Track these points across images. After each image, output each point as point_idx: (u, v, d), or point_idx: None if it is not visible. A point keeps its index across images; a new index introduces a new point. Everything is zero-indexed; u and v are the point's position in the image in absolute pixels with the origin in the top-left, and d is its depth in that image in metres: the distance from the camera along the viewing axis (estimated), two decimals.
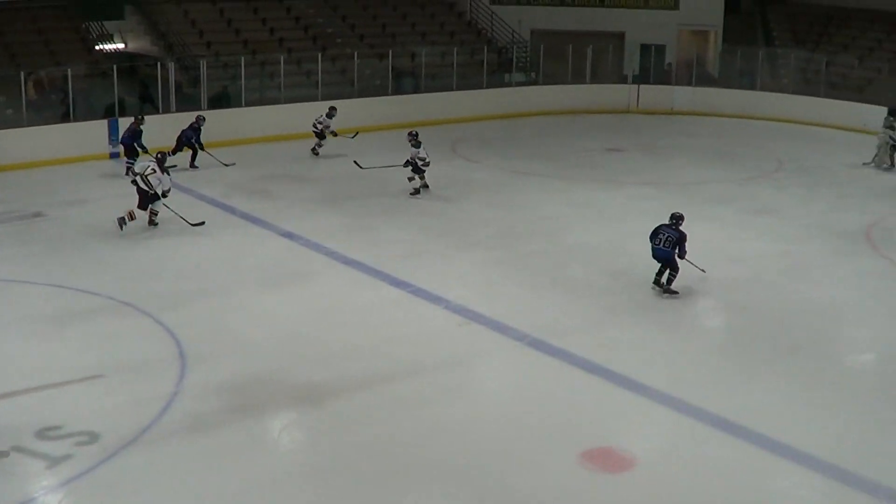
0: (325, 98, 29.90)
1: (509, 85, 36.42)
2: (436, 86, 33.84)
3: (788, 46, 40.60)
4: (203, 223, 20.51)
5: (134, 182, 20.25)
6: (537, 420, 12.57)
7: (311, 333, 15.08)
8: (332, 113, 27.26)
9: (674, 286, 17.03)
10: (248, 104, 29.86)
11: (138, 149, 24.04)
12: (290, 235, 19.94)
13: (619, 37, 40.01)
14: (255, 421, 12.40)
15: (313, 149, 27.47)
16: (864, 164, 28.40)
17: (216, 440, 11.89)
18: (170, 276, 17.61)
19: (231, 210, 21.75)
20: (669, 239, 17.02)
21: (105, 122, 26.86)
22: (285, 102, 30.11)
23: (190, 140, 25.58)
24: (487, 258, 18.90)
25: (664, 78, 39.51)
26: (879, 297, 17.89)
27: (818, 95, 36.60)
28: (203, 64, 29.51)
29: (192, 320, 15.42)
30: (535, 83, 37.01)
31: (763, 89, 38.05)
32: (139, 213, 20.03)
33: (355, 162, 25.24)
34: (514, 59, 37.55)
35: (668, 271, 17.14)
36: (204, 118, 26.02)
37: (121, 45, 33.63)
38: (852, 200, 24.87)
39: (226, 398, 12.80)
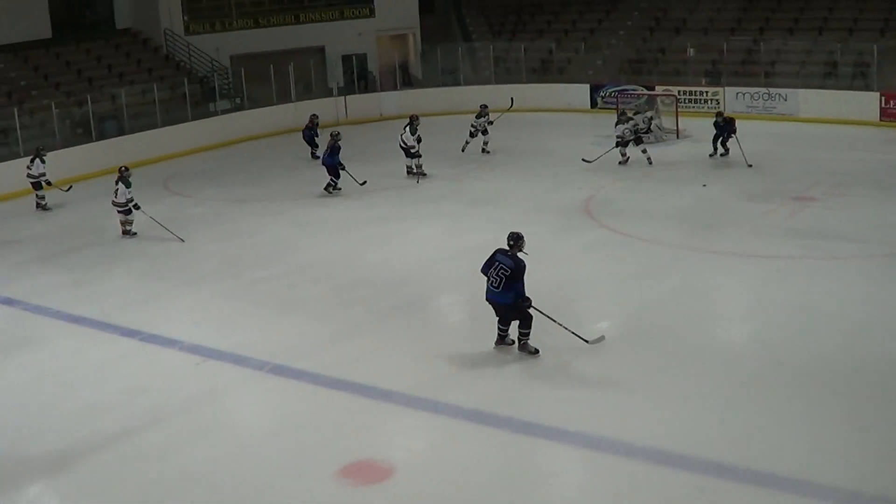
0: (27, 154, 28.98)
1: (215, 114, 36.04)
2: (140, 125, 33.05)
3: (486, 39, 41.81)
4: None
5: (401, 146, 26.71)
6: (291, 445, 12.47)
7: (46, 400, 14.38)
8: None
9: None
10: None
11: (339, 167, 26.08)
12: (9, 302, 18.97)
13: (320, 51, 40.36)
14: None
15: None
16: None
17: None
18: None
19: None
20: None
21: None
22: None
23: (312, 138, 30.78)
24: (216, 291, 18.63)
25: (370, 86, 40.02)
26: (606, 266, 18.66)
27: (521, 82, 37.86)
28: None
29: None
30: (241, 109, 36.86)
31: (467, 84, 39.13)
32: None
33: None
34: (217, 88, 37.24)
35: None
36: (317, 116, 31.44)
37: None
38: (568, 178, 25.88)
39: None
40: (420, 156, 26.95)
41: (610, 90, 35.88)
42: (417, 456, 12.22)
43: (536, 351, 14.33)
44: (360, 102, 37.84)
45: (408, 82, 40.88)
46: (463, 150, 29.84)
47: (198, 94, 36.25)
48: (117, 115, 33.18)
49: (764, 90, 33.25)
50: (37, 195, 26.17)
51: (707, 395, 13.09)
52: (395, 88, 39.36)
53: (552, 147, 29.94)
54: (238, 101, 37.49)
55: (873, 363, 13.78)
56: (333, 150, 25.60)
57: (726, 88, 34.03)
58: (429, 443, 12.56)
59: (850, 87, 32.41)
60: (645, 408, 12.88)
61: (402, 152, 27.18)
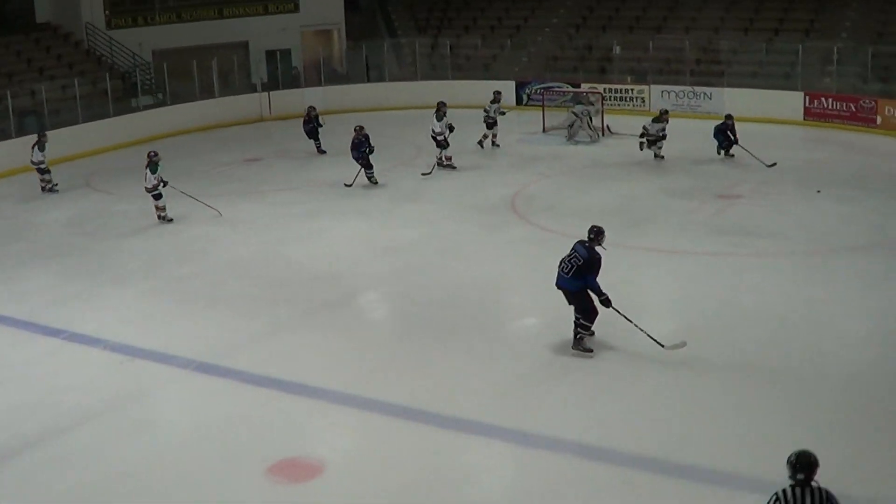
0: None
1: (137, 110, 35.51)
2: (61, 121, 32.35)
3: (412, 35, 41.67)
4: None
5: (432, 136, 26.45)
6: (218, 444, 12.35)
7: None
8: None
9: None
10: None
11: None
12: None
13: (244, 46, 40.00)
14: None
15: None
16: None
17: None
18: None
19: None
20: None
21: None
22: None
23: (313, 131, 30.11)
24: (141, 289, 18.38)
25: (294, 82, 39.74)
26: (531, 263, 18.50)
27: (446, 79, 37.83)
28: None
29: None
30: (163, 104, 36.26)
31: (392, 80, 38.99)
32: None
33: None
34: (139, 83, 36.76)
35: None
36: (314, 108, 30.69)
37: None
38: (494, 175, 25.93)
39: None
40: (447, 146, 26.73)
41: (536, 87, 36.01)
42: (347, 453, 12.17)
43: (590, 350, 14.22)
44: (284, 98, 37.48)
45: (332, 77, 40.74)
46: (481, 146, 29.74)
47: (120, 90, 35.67)
48: (37, 110, 32.52)
49: (689, 88, 33.58)
50: (41, 179, 26.78)
51: (633, 390, 13.21)
52: (319, 84, 39.12)
53: (477, 143, 29.88)
54: (160, 96, 36.96)
55: (797, 357, 13.98)
56: (353, 144, 25.36)
57: (652, 86, 34.31)
58: (358, 439, 12.52)
59: (775, 87, 32.72)
60: (572, 402, 12.99)
61: (434, 143, 26.88)
